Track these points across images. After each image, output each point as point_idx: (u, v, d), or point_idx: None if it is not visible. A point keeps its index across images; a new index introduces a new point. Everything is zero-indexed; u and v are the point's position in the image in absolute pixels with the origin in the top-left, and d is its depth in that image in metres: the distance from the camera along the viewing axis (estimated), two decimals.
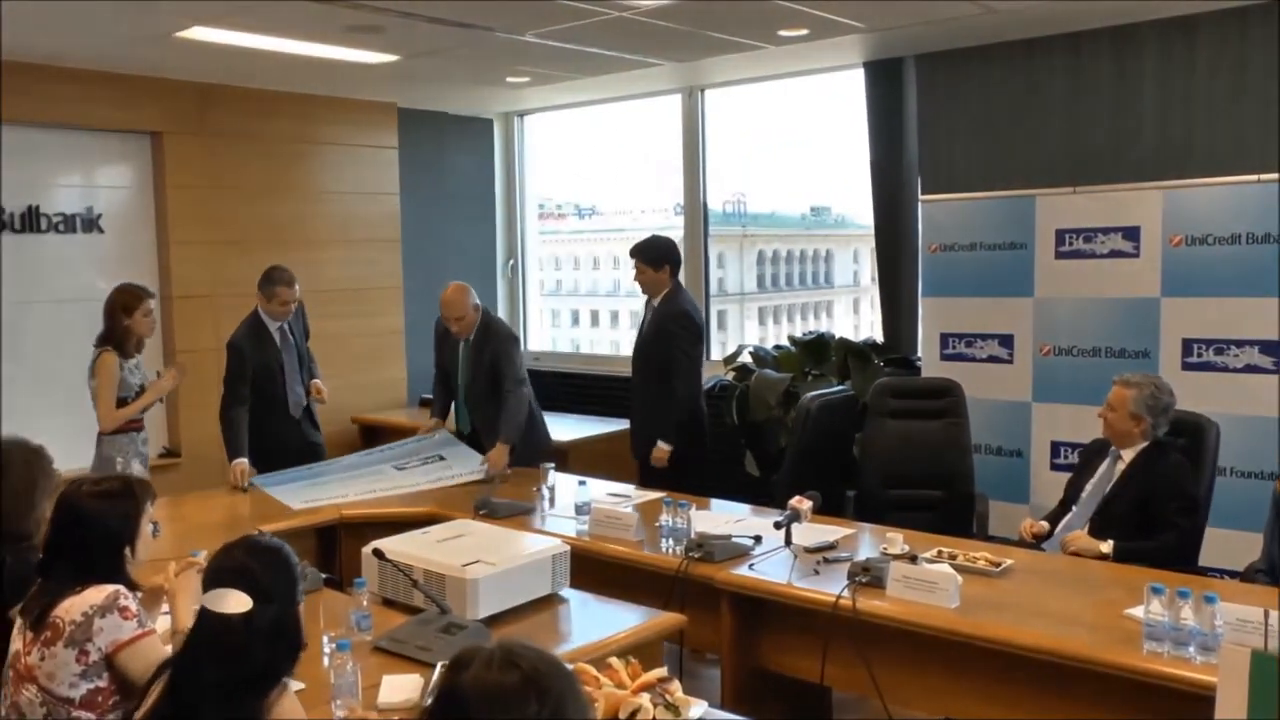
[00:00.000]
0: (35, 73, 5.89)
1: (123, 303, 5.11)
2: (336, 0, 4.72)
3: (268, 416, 5.50)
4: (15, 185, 6.05)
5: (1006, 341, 5.62)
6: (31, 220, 6.11)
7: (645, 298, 5.61)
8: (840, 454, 5.61)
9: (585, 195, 9.79)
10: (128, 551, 2.70)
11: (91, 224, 6.36)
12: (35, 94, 5.91)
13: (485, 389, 5.53)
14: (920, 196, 6.21)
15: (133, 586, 2.67)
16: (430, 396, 6.07)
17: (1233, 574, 4.28)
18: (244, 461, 5.27)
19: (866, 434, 5.35)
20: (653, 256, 5.45)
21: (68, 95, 6.06)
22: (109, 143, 6.44)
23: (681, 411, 5.40)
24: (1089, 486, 4.27)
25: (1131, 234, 5.21)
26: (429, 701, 1.73)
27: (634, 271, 5.50)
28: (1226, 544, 4.59)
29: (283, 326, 5.56)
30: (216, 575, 2.22)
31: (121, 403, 5.07)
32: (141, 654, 2.51)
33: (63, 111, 6.09)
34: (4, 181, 5.99)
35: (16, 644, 2.57)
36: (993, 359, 5.66)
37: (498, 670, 1.63)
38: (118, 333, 5.08)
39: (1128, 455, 4.17)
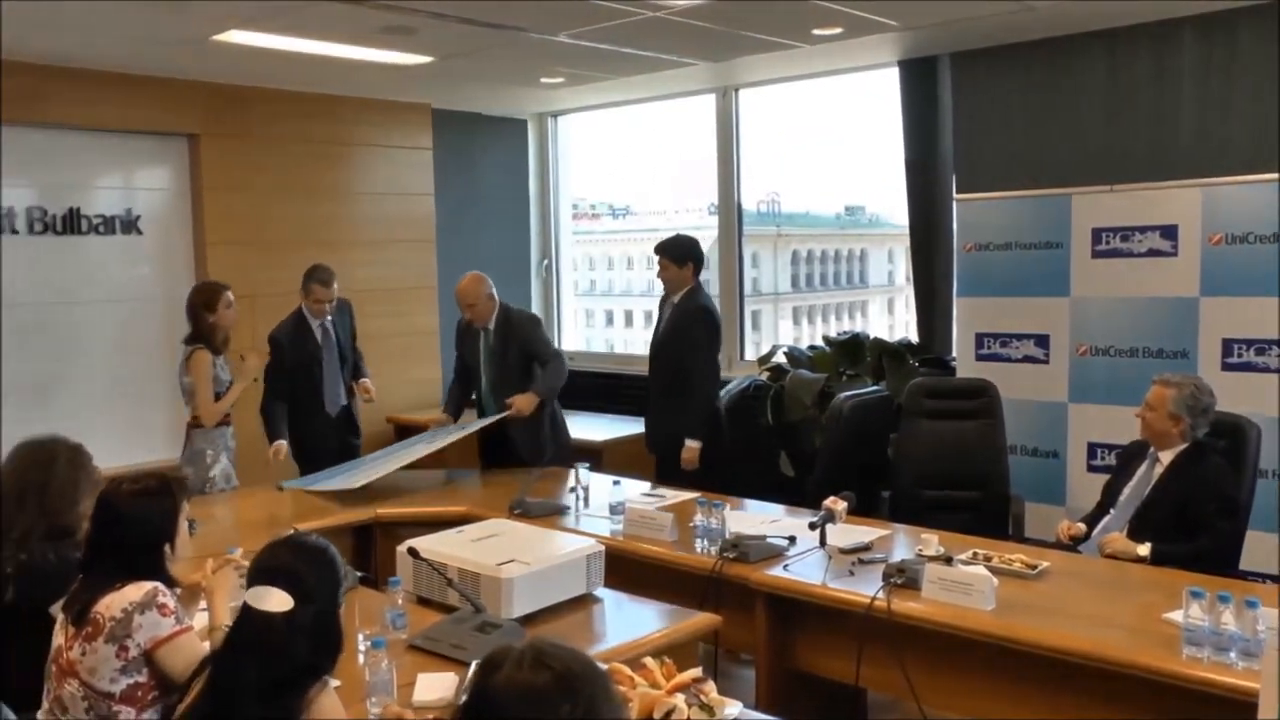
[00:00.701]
0: (73, 76, 5.97)
1: (202, 300, 5.26)
2: (371, 2, 4.75)
3: (306, 413, 5.60)
4: (56, 188, 6.13)
5: (1042, 341, 5.58)
6: (72, 222, 6.18)
7: (660, 296, 5.69)
8: (875, 454, 5.59)
9: (619, 195, 9.82)
10: (167, 549, 2.73)
11: (130, 225, 6.43)
12: (74, 98, 5.99)
13: (516, 378, 5.59)
14: (955, 195, 6.17)
15: (172, 583, 2.70)
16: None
17: (1274, 578, 4.23)
18: (283, 444, 5.40)
19: (901, 434, 5.32)
20: (678, 254, 5.50)
21: (106, 99, 6.13)
22: (147, 145, 6.50)
23: (704, 407, 5.43)
24: (1127, 489, 4.23)
25: (1169, 232, 5.16)
26: (463, 699, 1.74)
27: (657, 268, 5.56)
28: (1268, 547, 4.54)
29: (324, 324, 5.65)
30: (261, 573, 2.25)
31: (216, 397, 5.21)
32: (179, 650, 2.55)
33: (101, 115, 6.16)
34: (46, 185, 6.09)
35: (59, 639, 2.61)
36: (1028, 359, 5.62)
37: (529, 671, 1.64)
38: (204, 329, 5.21)
39: (1166, 457, 4.12)
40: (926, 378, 5.66)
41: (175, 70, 6.25)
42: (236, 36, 5.33)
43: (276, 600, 2.17)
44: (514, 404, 5.42)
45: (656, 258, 5.55)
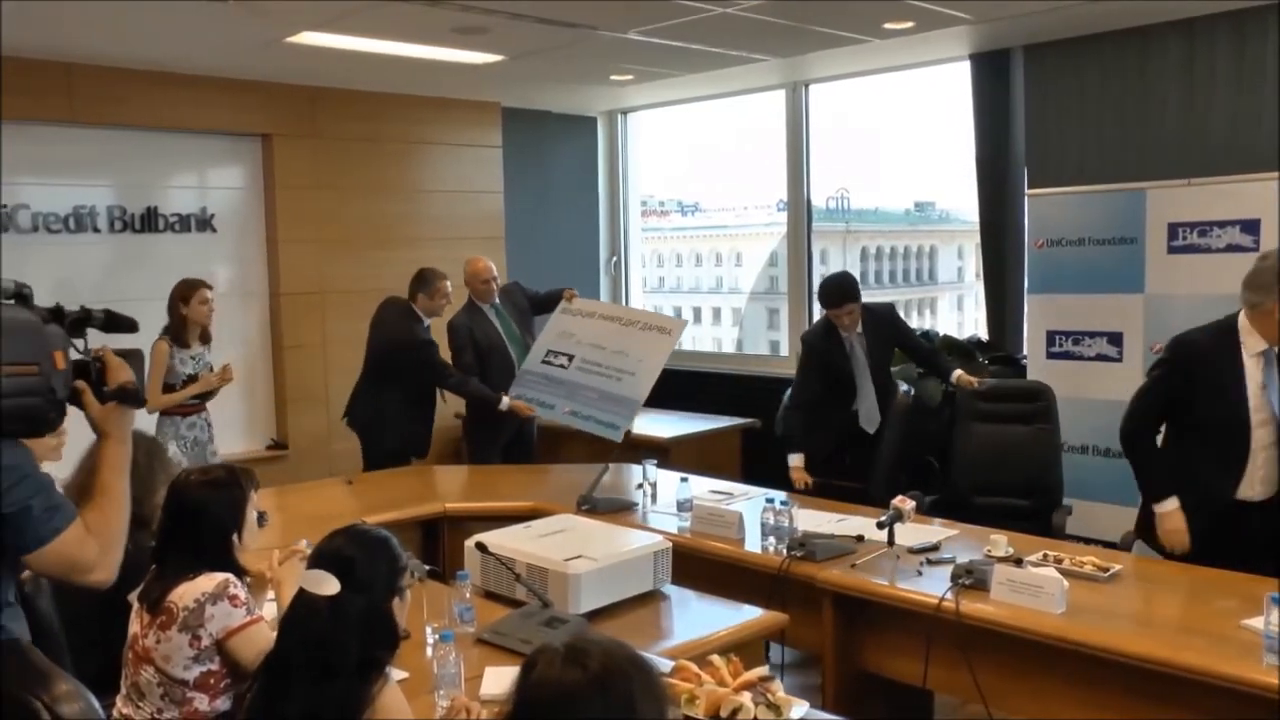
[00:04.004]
0: (150, 80, 6.12)
1: (180, 294, 5.42)
2: (443, 2, 4.79)
3: (423, 402, 5.92)
4: (134, 188, 6.30)
5: (1116, 339, 5.48)
6: (150, 220, 6.33)
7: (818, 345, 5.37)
8: (935, 455, 5.52)
9: (688, 192, 9.80)
10: (235, 539, 2.78)
11: (205, 224, 6.57)
12: (150, 100, 6.14)
13: (535, 330, 5.85)
14: (1027, 190, 6.09)
15: (241, 573, 2.74)
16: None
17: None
18: (506, 399, 5.69)
19: (953, 437, 5.23)
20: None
21: (183, 100, 6.27)
22: (221, 145, 6.64)
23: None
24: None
25: (1250, 227, 5.02)
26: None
27: (850, 317, 5.16)
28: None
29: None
30: (316, 559, 2.28)
31: (169, 389, 5.33)
32: (250, 640, 2.59)
33: (177, 116, 6.30)
34: (124, 185, 6.26)
35: (135, 627, 2.67)
36: (1101, 357, 5.52)
37: (560, 669, 1.62)
38: (175, 322, 5.38)
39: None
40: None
41: (248, 72, 6.36)
42: (309, 38, 5.41)
43: (322, 583, 2.19)
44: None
45: (850, 305, 5.13)
